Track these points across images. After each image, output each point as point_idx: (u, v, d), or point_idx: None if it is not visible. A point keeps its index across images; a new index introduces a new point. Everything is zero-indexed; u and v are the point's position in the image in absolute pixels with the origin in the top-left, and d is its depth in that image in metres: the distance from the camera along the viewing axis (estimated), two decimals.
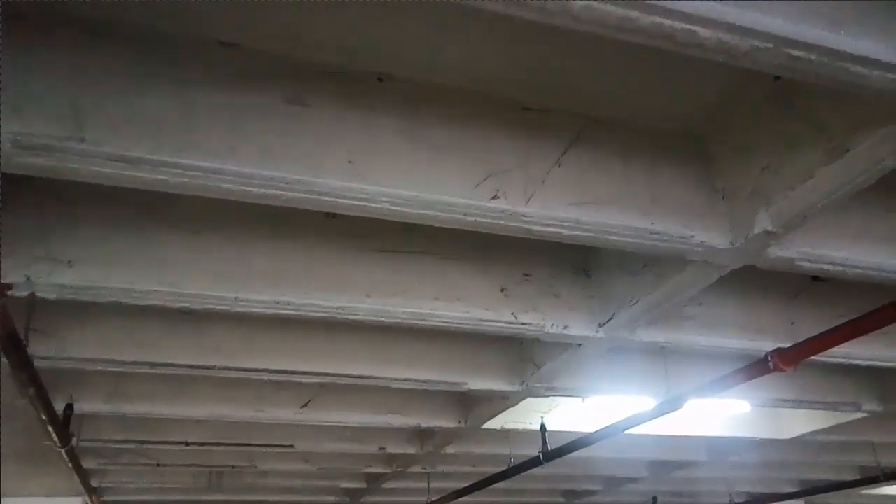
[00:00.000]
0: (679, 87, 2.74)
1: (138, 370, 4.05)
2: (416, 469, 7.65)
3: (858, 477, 8.66)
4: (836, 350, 3.39)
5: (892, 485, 8.28)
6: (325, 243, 3.30)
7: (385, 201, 2.50)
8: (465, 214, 2.60)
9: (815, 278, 3.96)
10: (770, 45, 1.86)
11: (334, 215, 2.75)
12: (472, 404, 5.51)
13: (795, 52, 1.88)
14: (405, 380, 4.40)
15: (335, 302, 3.26)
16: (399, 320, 3.42)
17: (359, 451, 6.75)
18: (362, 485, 8.81)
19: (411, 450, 6.70)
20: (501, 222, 2.65)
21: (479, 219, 2.63)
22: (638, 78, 2.68)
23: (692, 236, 2.82)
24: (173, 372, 4.08)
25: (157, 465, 7.04)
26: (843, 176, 2.46)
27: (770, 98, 2.66)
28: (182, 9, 2.32)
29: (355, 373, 4.27)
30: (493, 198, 2.59)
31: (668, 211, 2.82)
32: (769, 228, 2.71)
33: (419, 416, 5.54)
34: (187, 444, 6.12)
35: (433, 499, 8.64)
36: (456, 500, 8.25)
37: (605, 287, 3.69)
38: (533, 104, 2.75)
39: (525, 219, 2.65)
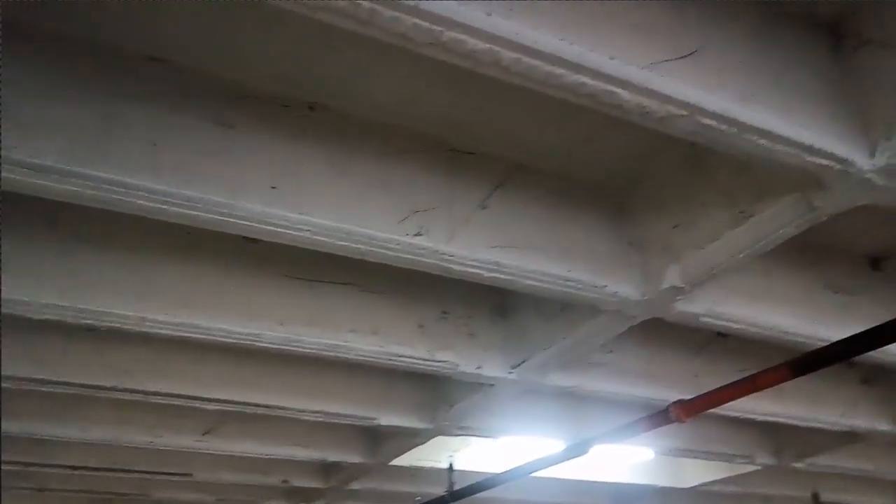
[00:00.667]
0: (602, 141, 2.84)
1: (29, 387, 3.81)
2: None
3: None
4: (733, 404, 3.53)
5: None
6: (242, 268, 3.22)
7: (306, 230, 2.47)
8: (386, 248, 2.60)
9: (720, 333, 4.13)
10: (685, 113, 1.97)
11: (254, 240, 2.69)
12: (381, 440, 5.43)
13: (707, 121, 1.99)
14: (314, 412, 4.31)
15: (247, 328, 3.18)
16: (311, 350, 3.35)
17: (260, 483, 6.52)
18: None
19: (315, 484, 6.52)
20: (423, 259, 2.67)
21: (400, 254, 2.63)
22: (563, 129, 2.76)
23: (605, 286, 2.91)
24: (69, 391, 3.86)
25: (41, 490, 6.60)
26: (747, 240, 2.61)
27: (686, 159, 2.80)
28: (111, 20, 2.25)
29: (261, 402, 4.15)
30: (417, 234, 2.61)
31: (584, 260, 2.90)
32: (677, 284, 2.83)
33: (325, 449, 5.41)
34: (75, 468, 5.76)
35: None
36: None
37: (520, 329, 3.74)
38: (462, 146, 2.80)
39: (446, 257, 2.67)
